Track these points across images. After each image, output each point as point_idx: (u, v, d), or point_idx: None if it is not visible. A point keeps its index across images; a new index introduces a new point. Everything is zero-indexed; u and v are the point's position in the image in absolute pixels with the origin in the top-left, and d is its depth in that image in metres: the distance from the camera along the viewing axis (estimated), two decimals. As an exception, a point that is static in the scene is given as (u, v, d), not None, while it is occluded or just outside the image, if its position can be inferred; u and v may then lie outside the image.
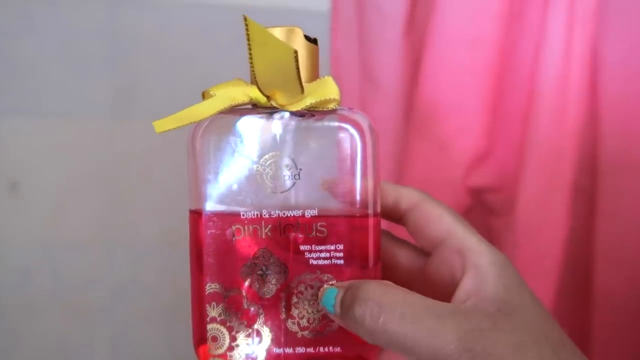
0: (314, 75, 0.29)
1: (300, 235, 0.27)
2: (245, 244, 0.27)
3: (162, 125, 0.26)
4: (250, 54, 0.24)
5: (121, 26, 0.66)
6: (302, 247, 0.27)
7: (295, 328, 0.28)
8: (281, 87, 0.26)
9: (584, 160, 0.53)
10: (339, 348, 0.28)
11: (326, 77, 0.28)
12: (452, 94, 0.54)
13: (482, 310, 0.24)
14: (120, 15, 0.66)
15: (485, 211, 0.57)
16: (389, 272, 0.30)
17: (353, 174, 0.27)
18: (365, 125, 0.28)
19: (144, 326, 0.70)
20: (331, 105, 0.28)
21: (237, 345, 0.28)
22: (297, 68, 0.25)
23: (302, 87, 0.26)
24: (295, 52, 0.24)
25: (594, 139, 0.53)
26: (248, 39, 0.24)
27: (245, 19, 0.24)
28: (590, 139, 0.53)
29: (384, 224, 0.30)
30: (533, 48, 0.52)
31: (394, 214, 0.30)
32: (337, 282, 0.27)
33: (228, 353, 0.28)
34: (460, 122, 0.54)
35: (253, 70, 0.25)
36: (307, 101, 0.27)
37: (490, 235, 0.56)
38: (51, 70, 0.65)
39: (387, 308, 0.23)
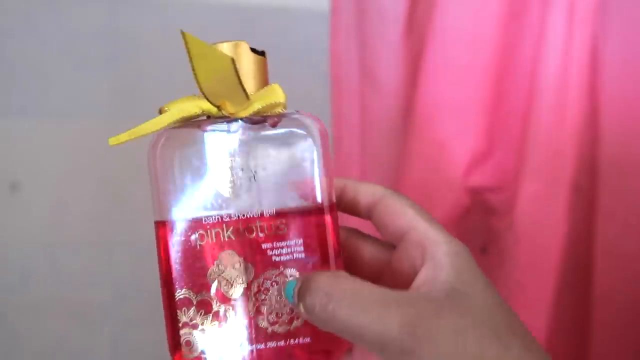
0: (263, 84, 0.30)
1: (261, 234, 0.28)
2: (210, 248, 0.28)
3: (117, 139, 0.28)
4: (192, 66, 0.26)
5: (121, 26, 0.66)
6: (264, 246, 0.28)
7: (264, 324, 0.29)
8: (227, 95, 0.28)
9: (583, 160, 0.53)
10: (308, 339, 0.29)
11: (273, 84, 0.30)
12: (452, 94, 0.54)
13: (429, 296, 0.25)
14: (120, 15, 0.66)
15: (485, 211, 0.57)
16: (356, 267, 0.31)
17: (307, 173, 0.29)
18: (315, 128, 0.29)
19: (144, 326, 0.70)
20: (278, 109, 0.29)
21: (211, 347, 0.29)
22: (237, 74, 0.26)
23: (246, 93, 0.27)
24: (232, 59, 0.26)
25: (593, 138, 0.53)
26: (188, 53, 0.26)
27: (182, 34, 0.25)
28: (590, 138, 0.53)
29: (354, 222, 0.31)
30: (533, 48, 0.53)
31: (357, 210, 0.31)
32: (299, 275, 0.28)
33: (202, 355, 0.29)
34: (460, 122, 0.54)
35: (198, 82, 0.27)
36: (255, 106, 0.28)
37: (490, 235, 0.56)
38: (51, 70, 0.65)
39: (335, 297, 0.25)
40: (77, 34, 0.65)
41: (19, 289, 0.66)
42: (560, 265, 0.53)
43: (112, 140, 0.28)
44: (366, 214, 0.31)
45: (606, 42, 0.51)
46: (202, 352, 0.28)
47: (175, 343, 0.29)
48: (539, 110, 0.52)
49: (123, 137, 0.28)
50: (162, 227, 0.29)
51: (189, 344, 0.28)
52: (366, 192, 0.30)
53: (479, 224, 0.56)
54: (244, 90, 0.27)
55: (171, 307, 0.29)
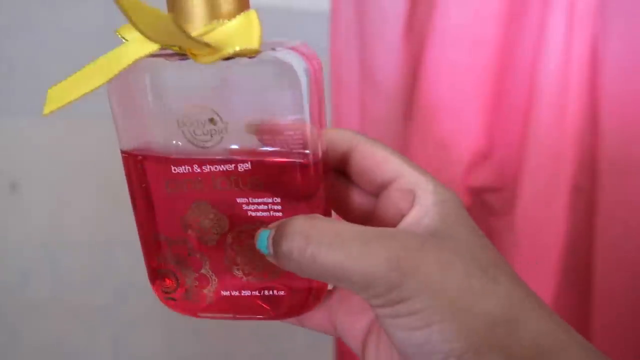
0: (242, 7, 0.25)
1: (236, 188, 0.26)
2: (182, 197, 0.26)
3: (52, 105, 0.23)
4: (129, 19, 0.22)
5: (121, 26, 0.65)
6: (238, 200, 0.26)
7: (239, 274, 0.28)
8: (184, 47, 0.23)
9: (583, 160, 0.53)
10: (282, 292, 0.27)
11: (249, 13, 0.24)
12: (452, 94, 0.54)
13: (412, 232, 0.24)
14: (120, 15, 0.65)
15: (485, 211, 0.57)
16: (343, 216, 0.29)
17: (286, 116, 0.24)
18: (299, 67, 0.24)
19: (144, 326, 0.70)
20: (251, 55, 0.24)
21: (187, 288, 0.28)
22: (184, 32, 0.21)
23: (204, 43, 0.23)
24: (172, 17, 0.21)
25: (593, 138, 0.53)
26: (125, 14, 0.21)
27: None
28: (590, 138, 0.53)
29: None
30: (533, 48, 0.52)
31: (329, 160, 0.28)
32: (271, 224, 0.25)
33: (180, 293, 0.28)
34: (460, 122, 0.54)
35: (147, 39, 0.22)
36: (222, 54, 0.23)
37: (491, 235, 0.56)
38: (51, 70, 0.65)
39: (314, 239, 0.23)
40: (77, 34, 0.65)
41: (19, 289, 0.66)
42: (560, 265, 0.53)
43: (47, 109, 0.23)
44: (340, 163, 0.28)
45: (606, 42, 0.51)
46: (180, 290, 0.28)
47: (153, 276, 0.29)
48: (539, 110, 0.52)
49: (66, 95, 0.23)
50: (130, 163, 0.26)
51: (166, 282, 0.28)
52: (338, 139, 0.27)
53: (479, 224, 0.56)
54: (201, 42, 0.22)
55: (147, 246, 0.28)
